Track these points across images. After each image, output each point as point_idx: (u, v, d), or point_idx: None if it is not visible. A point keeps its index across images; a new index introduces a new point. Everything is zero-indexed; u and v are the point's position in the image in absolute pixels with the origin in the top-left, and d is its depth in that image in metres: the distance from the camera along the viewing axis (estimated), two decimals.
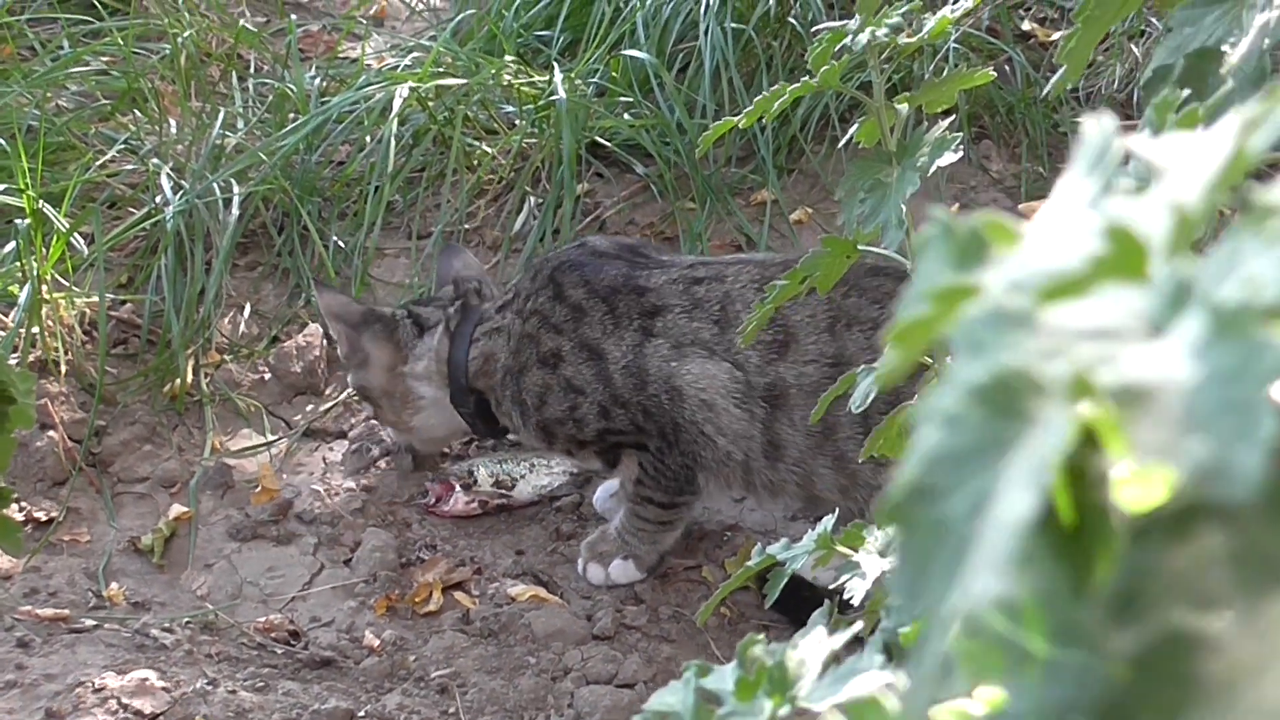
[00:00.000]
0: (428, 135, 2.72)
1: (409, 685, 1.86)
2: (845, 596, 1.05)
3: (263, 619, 1.96)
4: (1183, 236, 0.28)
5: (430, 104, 2.72)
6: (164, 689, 1.77)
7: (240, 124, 2.73)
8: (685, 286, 1.95)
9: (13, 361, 2.19)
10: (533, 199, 2.65)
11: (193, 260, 2.44)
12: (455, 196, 2.65)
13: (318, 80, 2.85)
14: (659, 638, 1.97)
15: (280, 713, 1.75)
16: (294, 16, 3.08)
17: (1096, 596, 0.27)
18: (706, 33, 2.72)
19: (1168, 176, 0.30)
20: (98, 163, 2.58)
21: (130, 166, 2.63)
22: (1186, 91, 0.84)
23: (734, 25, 2.75)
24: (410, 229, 2.65)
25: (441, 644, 1.92)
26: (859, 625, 0.76)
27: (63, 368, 2.27)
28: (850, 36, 1.17)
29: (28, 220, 2.33)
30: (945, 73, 2.70)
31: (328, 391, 2.39)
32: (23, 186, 2.35)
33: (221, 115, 2.66)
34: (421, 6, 3.38)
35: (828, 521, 1.11)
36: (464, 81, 2.75)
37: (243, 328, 2.48)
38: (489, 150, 2.70)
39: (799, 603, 1.51)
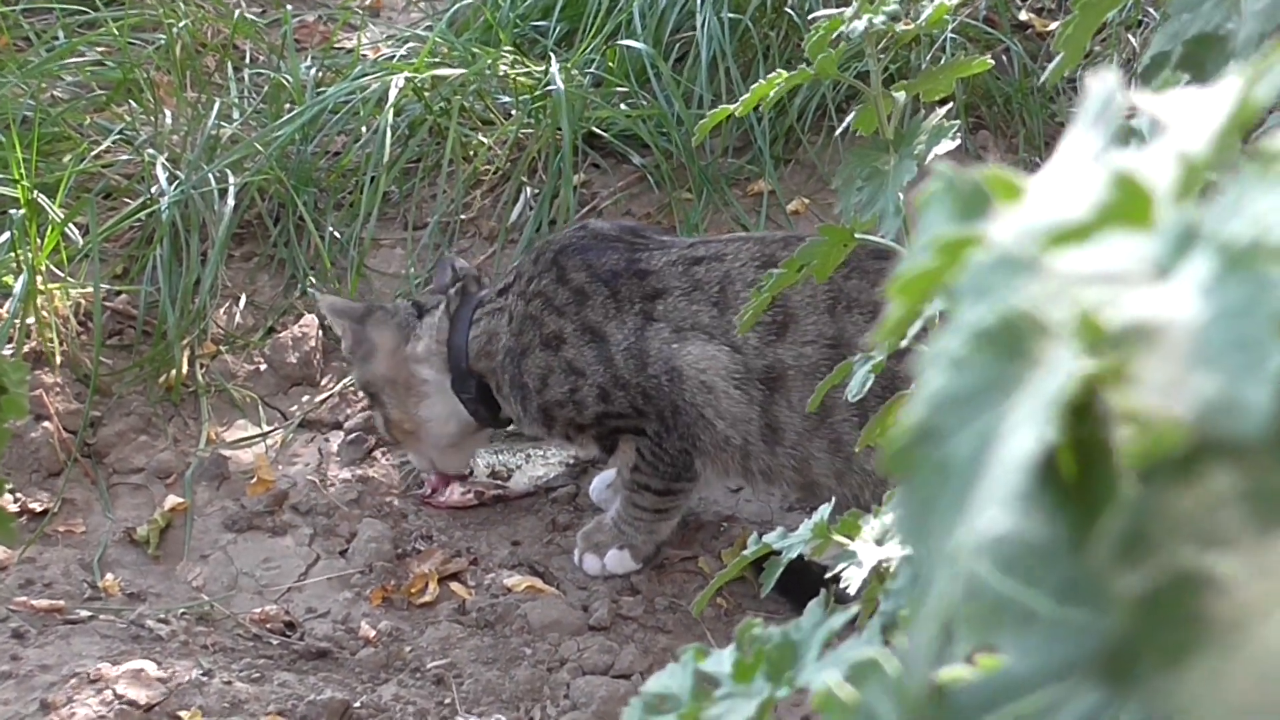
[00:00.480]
0: (424, 126, 2.71)
1: (405, 676, 1.86)
2: (842, 585, 1.05)
3: (258, 610, 1.95)
4: (1189, 185, 0.28)
5: (426, 94, 2.71)
6: (159, 680, 1.76)
7: (236, 114, 2.72)
8: (685, 267, 1.95)
9: (7, 352, 2.19)
10: (529, 189, 2.64)
11: (188, 251, 2.44)
12: (451, 187, 2.65)
13: (313, 71, 2.84)
14: (655, 628, 1.96)
15: (276, 703, 1.75)
16: (289, 6, 3.08)
17: (1102, 541, 0.27)
18: (703, 23, 2.72)
19: (1173, 128, 0.30)
20: (93, 153, 2.57)
21: (125, 157, 2.62)
22: (1185, 77, 0.84)
23: (731, 15, 2.75)
24: (406, 220, 2.65)
25: (437, 635, 1.92)
26: (856, 609, 0.75)
27: (58, 358, 2.26)
28: (847, 24, 1.17)
29: (22, 211, 2.32)
30: (942, 61, 2.70)
31: (323, 382, 2.39)
32: (17, 177, 2.35)
33: (217, 106, 2.65)
34: None
35: (824, 510, 1.10)
36: (460, 72, 2.74)
37: (238, 318, 2.47)
38: (485, 141, 2.70)
39: (801, 586, 1.50)
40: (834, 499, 1.75)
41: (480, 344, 2.06)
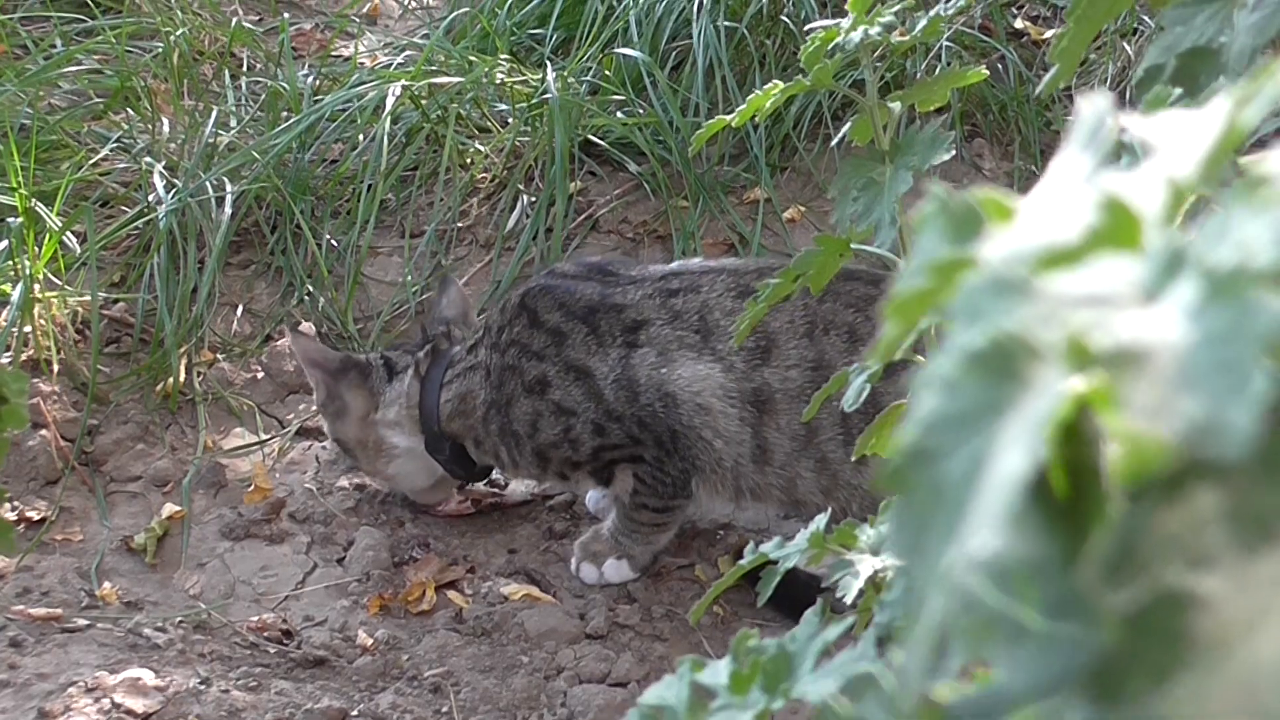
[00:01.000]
0: (421, 134, 2.72)
1: (402, 684, 1.86)
2: (838, 595, 1.05)
3: (256, 618, 1.95)
4: (1176, 209, 0.29)
5: (423, 102, 2.72)
6: (157, 688, 1.76)
7: (233, 122, 2.73)
8: (662, 300, 1.95)
9: (5, 360, 2.19)
10: (526, 197, 2.65)
11: (185, 259, 2.44)
12: (448, 195, 2.66)
13: (311, 79, 2.85)
14: (652, 636, 1.97)
15: (273, 712, 1.75)
16: (287, 14, 3.09)
17: (1091, 559, 0.27)
18: (700, 31, 2.72)
19: (1161, 152, 0.30)
20: (90, 161, 2.58)
21: (123, 165, 2.62)
22: (1178, 90, 0.85)
23: (727, 23, 2.75)
24: (403, 227, 2.65)
25: (434, 643, 1.92)
26: (852, 620, 0.76)
27: (55, 367, 2.26)
28: (843, 35, 1.17)
29: (20, 219, 2.32)
30: (938, 70, 2.71)
31: None
32: (15, 185, 2.35)
33: (214, 114, 2.66)
34: (414, 5, 3.38)
35: (820, 520, 1.11)
36: (457, 80, 2.75)
37: (235, 326, 2.48)
38: (482, 148, 2.70)
39: (795, 598, 1.51)
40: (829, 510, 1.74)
41: (453, 407, 2.05)
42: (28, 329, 2.26)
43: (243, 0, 3.32)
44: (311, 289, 2.52)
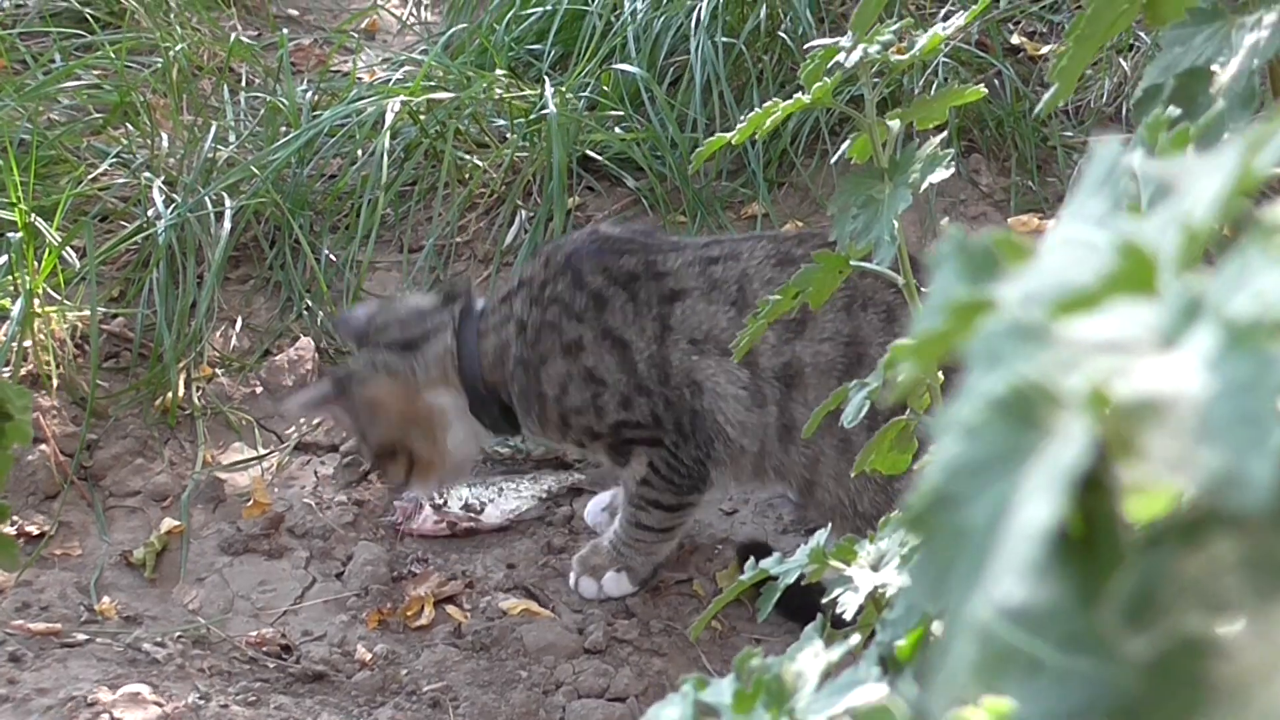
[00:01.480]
0: (419, 149, 2.72)
1: (401, 699, 1.86)
2: (838, 611, 1.06)
3: (254, 633, 1.95)
4: (1191, 253, 0.29)
5: (422, 118, 2.73)
6: (156, 703, 1.76)
7: (232, 137, 2.73)
8: (702, 267, 1.93)
9: (5, 375, 2.19)
10: (524, 212, 2.66)
11: (184, 274, 2.44)
12: (447, 210, 2.66)
13: (309, 94, 2.86)
14: (650, 651, 1.97)
15: None
16: (286, 30, 3.09)
17: (1108, 604, 0.28)
18: (697, 47, 2.73)
19: (1175, 195, 0.31)
20: (90, 176, 2.58)
21: (122, 180, 2.63)
22: (1178, 111, 0.85)
23: (724, 39, 2.76)
24: (402, 242, 2.66)
25: (433, 658, 1.92)
26: (855, 639, 0.76)
27: (54, 381, 2.27)
28: (843, 54, 1.17)
29: (19, 234, 2.33)
30: (936, 86, 2.71)
31: None
32: (14, 200, 2.35)
33: (213, 129, 2.66)
34: (413, 20, 3.39)
35: (820, 535, 1.11)
36: (455, 95, 2.76)
37: (234, 341, 2.48)
38: (480, 164, 2.71)
39: (796, 601, 1.51)
40: (830, 502, 1.75)
41: (492, 357, 2.01)
42: (27, 344, 2.27)
43: (241, 15, 3.33)
44: (310, 304, 2.52)
